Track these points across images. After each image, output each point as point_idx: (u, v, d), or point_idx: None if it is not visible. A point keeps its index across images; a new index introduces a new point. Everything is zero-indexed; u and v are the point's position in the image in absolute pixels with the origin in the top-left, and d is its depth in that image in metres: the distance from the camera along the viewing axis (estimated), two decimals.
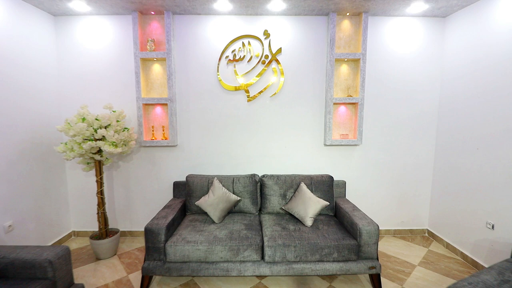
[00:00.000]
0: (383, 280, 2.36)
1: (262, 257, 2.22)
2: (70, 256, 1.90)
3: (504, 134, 2.26)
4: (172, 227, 2.35)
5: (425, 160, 3.13)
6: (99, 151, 2.59)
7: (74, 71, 2.93)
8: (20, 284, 1.65)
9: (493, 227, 2.38)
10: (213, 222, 2.52)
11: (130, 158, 3.06)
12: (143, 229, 3.17)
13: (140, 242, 3.05)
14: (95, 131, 2.46)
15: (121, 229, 3.17)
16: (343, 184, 2.95)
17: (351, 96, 2.98)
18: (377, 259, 2.22)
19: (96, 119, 2.47)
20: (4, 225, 2.34)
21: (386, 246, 2.96)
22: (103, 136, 2.48)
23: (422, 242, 3.06)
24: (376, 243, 2.20)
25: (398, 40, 2.96)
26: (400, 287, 2.27)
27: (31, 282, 1.68)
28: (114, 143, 2.53)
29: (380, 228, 3.22)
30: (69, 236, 3.13)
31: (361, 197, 3.16)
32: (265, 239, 2.23)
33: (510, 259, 1.76)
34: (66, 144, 2.47)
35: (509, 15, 2.22)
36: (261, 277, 2.40)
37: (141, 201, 3.14)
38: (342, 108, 3.05)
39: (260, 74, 2.96)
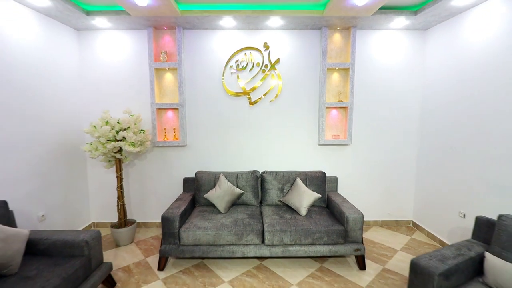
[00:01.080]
0: (367, 261, 2.71)
1: (263, 241, 2.57)
2: (101, 238, 2.26)
3: (473, 135, 2.62)
4: (184, 216, 2.71)
5: (409, 158, 3.48)
6: (120, 150, 2.95)
7: (95, 79, 3.30)
8: (62, 260, 2.01)
9: (464, 216, 2.73)
10: (219, 212, 2.88)
11: (144, 156, 3.42)
12: (156, 220, 3.53)
13: (154, 232, 3.41)
14: (117, 133, 2.82)
15: (136, 221, 3.52)
16: (335, 180, 3.31)
17: (341, 101, 3.33)
18: (362, 242, 2.57)
19: (118, 122, 2.84)
20: (38, 215, 2.71)
21: (373, 235, 3.31)
22: (123, 137, 2.84)
23: (406, 232, 3.41)
24: (361, 229, 2.55)
25: (384, 51, 3.32)
26: (382, 267, 2.62)
27: (71, 259, 2.04)
28: (133, 143, 2.89)
29: (368, 219, 3.57)
30: (89, 226, 3.49)
31: (352, 192, 3.51)
32: (265, 225, 2.59)
33: (470, 239, 2.11)
34: (91, 144, 2.83)
35: (476, 31, 2.57)
36: (262, 258, 2.75)
37: (154, 195, 3.50)
38: (334, 111, 3.40)
39: (260, 82, 3.32)
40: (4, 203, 2.09)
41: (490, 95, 2.42)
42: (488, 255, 1.79)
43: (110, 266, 2.30)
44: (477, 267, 1.85)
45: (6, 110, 2.34)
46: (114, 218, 3.49)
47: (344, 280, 2.42)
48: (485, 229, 2.05)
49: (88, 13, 2.84)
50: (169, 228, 2.53)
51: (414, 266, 1.78)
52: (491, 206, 2.42)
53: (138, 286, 2.34)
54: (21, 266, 1.90)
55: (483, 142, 2.49)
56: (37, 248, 2.09)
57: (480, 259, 1.85)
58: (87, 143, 2.86)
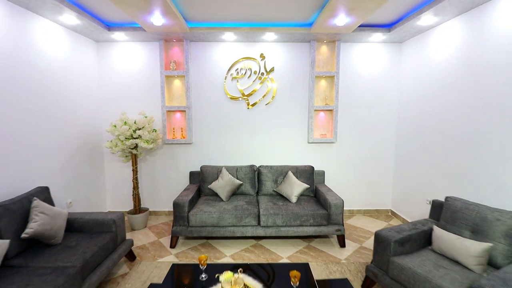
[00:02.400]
0: (348, 242, 3.19)
1: (259, 223, 3.05)
2: (124, 219, 2.72)
3: (436, 135, 3.11)
4: (192, 203, 3.18)
5: (387, 155, 3.97)
6: (136, 147, 3.41)
7: (112, 85, 3.75)
8: (95, 235, 2.47)
9: (430, 202, 3.21)
10: (222, 200, 3.34)
11: (155, 153, 3.89)
12: (165, 209, 3.99)
13: (164, 219, 3.87)
14: (134, 131, 3.28)
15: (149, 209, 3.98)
16: (322, 173, 3.78)
17: (328, 104, 3.82)
18: (342, 224, 3.05)
19: (135, 122, 3.30)
20: (67, 202, 3.16)
21: (355, 221, 3.79)
22: (139, 135, 3.30)
23: (385, 219, 3.89)
24: (342, 213, 3.03)
25: (365, 61, 3.80)
26: (360, 245, 3.10)
27: (102, 234, 2.50)
28: (147, 141, 3.35)
29: (352, 208, 4.06)
30: None
31: (337, 184, 3.99)
32: (261, 210, 3.06)
33: (427, 218, 2.59)
34: (111, 141, 3.29)
35: (438, 46, 3.06)
36: (258, 238, 3.22)
37: (163, 187, 3.96)
38: (322, 113, 3.89)
39: (257, 88, 3.80)
40: (47, 188, 2.55)
41: (451, 102, 2.91)
42: (435, 228, 2.27)
43: (131, 242, 2.76)
44: (428, 238, 2.33)
45: (42, 115, 2.79)
46: (127, 207, 3.95)
47: (327, 254, 2.90)
48: (438, 210, 2.53)
49: (109, 28, 3.30)
50: (180, 212, 3.00)
51: (377, 236, 2.26)
52: (448, 193, 2.90)
53: (154, 259, 2.81)
54: (63, 239, 2.36)
55: (443, 141, 2.98)
56: (73, 226, 2.55)
57: (431, 232, 2.33)
58: (107, 141, 3.32)
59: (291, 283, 1.64)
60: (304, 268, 1.95)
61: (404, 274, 2.00)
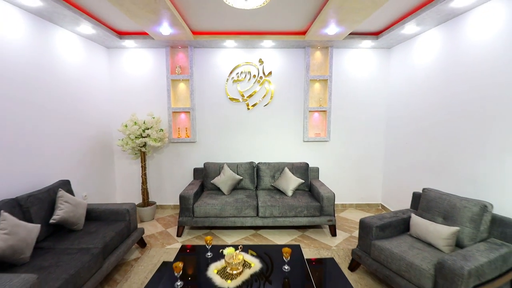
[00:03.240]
0: (339, 231, 3.48)
1: (257, 214, 3.34)
2: (136, 209, 3.02)
3: (419, 134, 3.40)
4: (197, 196, 3.48)
5: (377, 152, 4.26)
6: (144, 145, 3.71)
7: (122, 88, 4.06)
8: (112, 223, 2.76)
9: None
10: (223, 194, 3.64)
11: (161, 151, 4.19)
12: (171, 203, 4.29)
13: (169, 212, 4.17)
14: (143, 131, 3.58)
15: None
16: (316, 170, 4.08)
17: (322, 105, 4.11)
18: (334, 215, 3.34)
19: (144, 122, 3.60)
20: (82, 195, 3.46)
21: (347, 214, 4.09)
22: (148, 134, 3.60)
23: (375, 212, 4.18)
24: (333, 205, 3.32)
25: (356, 65, 4.10)
26: (349, 235, 3.40)
27: (117, 222, 2.79)
28: (156, 139, 3.65)
29: (344, 203, 4.35)
30: None
31: (331, 179, 4.28)
32: (259, 202, 3.36)
33: (408, 208, 2.88)
34: (122, 140, 3.60)
35: (422, 53, 3.35)
36: (257, 228, 3.52)
37: (169, 182, 4.26)
38: (316, 114, 4.19)
39: (256, 90, 4.10)
40: (68, 181, 2.85)
41: (432, 105, 3.20)
42: (413, 215, 2.56)
43: (142, 230, 3.06)
44: (407, 225, 2.62)
45: (62, 117, 3.09)
46: (135, 201, 4.24)
47: (319, 242, 3.19)
48: (417, 200, 2.82)
49: (120, 37, 3.60)
50: (186, 204, 3.30)
51: (361, 223, 2.56)
52: (431, 186, 3.19)
53: (163, 246, 3.11)
54: (84, 226, 2.66)
55: (427, 140, 3.27)
56: (91, 215, 2.85)
57: (410, 220, 2.63)
58: (119, 139, 3.63)
59: (283, 257, 1.93)
60: (296, 249, 2.24)
61: (383, 255, 2.29)
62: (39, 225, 2.22)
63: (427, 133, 3.24)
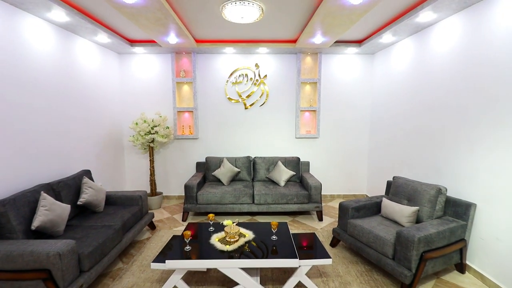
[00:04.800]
0: (325, 217, 3.93)
1: (253, 201, 3.79)
2: (147, 196, 3.47)
3: (397, 131, 3.85)
4: (199, 186, 3.93)
5: (362, 148, 4.72)
6: (153, 141, 4.16)
7: (132, 91, 4.50)
8: (127, 206, 3.21)
9: None
10: (223, 184, 4.09)
11: (167, 146, 4.64)
12: (175, 194, 4.74)
13: (174, 202, 4.61)
14: (152, 128, 4.03)
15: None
16: (307, 163, 4.53)
17: (312, 105, 4.56)
18: (320, 202, 3.79)
19: (152, 121, 4.05)
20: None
21: (334, 204, 4.54)
22: (156, 131, 4.05)
23: None
24: (320, 194, 3.77)
25: (343, 69, 4.55)
26: (334, 220, 3.85)
27: (132, 206, 3.24)
28: (163, 136, 4.10)
29: (332, 193, 4.81)
30: None
31: (320, 172, 4.73)
32: (255, 191, 3.81)
33: (382, 194, 3.33)
34: (133, 136, 4.04)
35: (398, 60, 3.80)
36: (253, 214, 3.97)
37: (173, 175, 4.71)
38: (307, 113, 4.64)
39: (253, 92, 4.54)
40: (89, 171, 3.31)
41: (407, 106, 3.65)
42: (384, 199, 3.01)
43: (152, 215, 3.51)
44: (380, 208, 3.08)
45: (81, 117, 3.54)
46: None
47: (307, 226, 3.65)
48: (389, 187, 3.28)
49: (131, 44, 4.05)
50: (190, 192, 3.75)
51: (340, 205, 3.01)
52: (406, 175, 3.64)
53: (170, 229, 3.56)
54: (104, 208, 3.11)
55: (404, 136, 3.72)
56: (109, 200, 3.30)
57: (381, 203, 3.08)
58: (130, 136, 4.07)
59: (272, 229, 2.38)
60: (283, 225, 2.68)
61: (356, 230, 2.74)
62: (69, 205, 2.67)
63: (404, 130, 3.69)
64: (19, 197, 2.30)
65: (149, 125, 4.01)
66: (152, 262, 2.15)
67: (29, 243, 2.03)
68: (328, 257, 2.24)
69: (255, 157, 4.41)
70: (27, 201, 2.35)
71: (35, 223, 2.25)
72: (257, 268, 2.33)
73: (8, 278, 1.96)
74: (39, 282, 1.96)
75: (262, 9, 2.82)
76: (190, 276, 2.47)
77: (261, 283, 2.34)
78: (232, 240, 2.28)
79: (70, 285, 2.02)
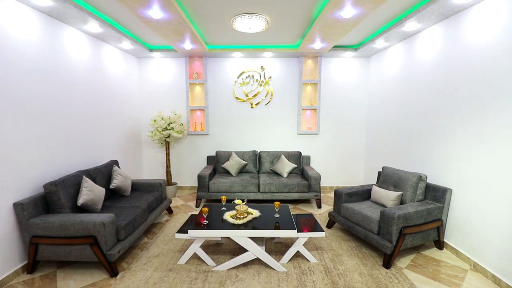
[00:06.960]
0: (324, 205, 4.36)
1: (259, 190, 4.24)
2: (165, 184, 3.95)
3: (389, 129, 4.26)
4: (210, 176, 4.39)
5: (359, 143, 5.12)
6: (169, 136, 4.64)
7: (150, 91, 4.99)
8: (149, 192, 3.69)
9: None
10: (232, 175, 4.55)
11: (181, 141, 5.12)
12: (188, 185, 5.22)
13: (187, 192, 5.09)
14: (168, 125, 4.51)
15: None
16: (308, 157, 4.96)
17: (312, 104, 4.99)
18: (319, 192, 4.22)
19: (169, 118, 4.53)
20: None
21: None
22: (172, 127, 4.53)
23: None
24: (319, 184, 4.20)
25: (341, 71, 4.96)
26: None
27: (153, 192, 3.72)
28: (178, 132, 4.58)
29: (331, 185, 5.23)
30: None
31: (320, 165, 5.16)
32: (260, 181, 4.25)
33: (374, 183, 3.74)
34: (152, 132, 4.53)
35: (389, 64, 4.20)
36: (258, 201, 4.42)
37: (186, 167, 5.19)
38: (308, 112, 5.07)
39: (259, 92, 4.99)
40: (117, 161, 3.80)
41: (396, 106, 4.05)
42: (373, 187, 3.43)
43: (170, 200, 3.99)
44: (370, 194, 3.49)
45: (107, 115, 4.04)
46: None
47: (307, 212, 4.08)
48: (380, 176, 3.69)
49: (151, 50, 4.54)
50: (202, 182, 4.21)
51: (335, 192, 3.44)
52: (396, 166, 4.04)
53: (185, 213, 4.03)
54: (130, 193, 3.60)
55: (394, 132, 4.13)
56: (133, 187, 3.79)
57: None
58: (149, 131, 4.56)
59: (275, 208, 2.84)
60: (284, 206, 3.13)
61: (348, 212, 3.17)
62: (104, 188, 3.15)
63: (396, 126, 4.09)
64: (66, 179, 2.79)
65: (166, 122, 4.49)
66: (176, 232, 2.62)
67: (78, 215, 2.51)
68: (322, 230, 2.68)
69: (260, 151, 4.85)
70: (72, 183, 2.84)
71: (80, 201, 2.74)
72: (262, 240, 2.78)
73: (62, 243, 2.45)
74: (86, 246, 2.44)
75: (267, 21, 3.26)
76: (205, 248, 2.93)
77: None
78: (241, 216, 2.74)
79: (111, 249, 2.50)
